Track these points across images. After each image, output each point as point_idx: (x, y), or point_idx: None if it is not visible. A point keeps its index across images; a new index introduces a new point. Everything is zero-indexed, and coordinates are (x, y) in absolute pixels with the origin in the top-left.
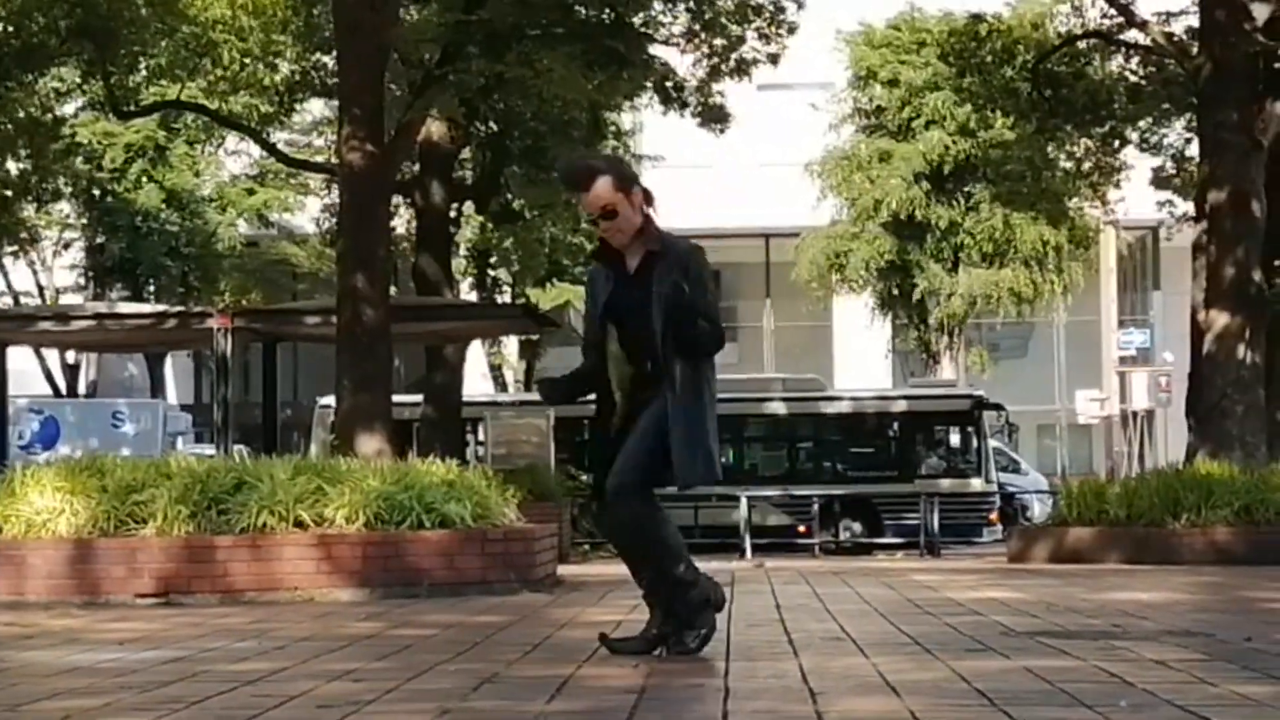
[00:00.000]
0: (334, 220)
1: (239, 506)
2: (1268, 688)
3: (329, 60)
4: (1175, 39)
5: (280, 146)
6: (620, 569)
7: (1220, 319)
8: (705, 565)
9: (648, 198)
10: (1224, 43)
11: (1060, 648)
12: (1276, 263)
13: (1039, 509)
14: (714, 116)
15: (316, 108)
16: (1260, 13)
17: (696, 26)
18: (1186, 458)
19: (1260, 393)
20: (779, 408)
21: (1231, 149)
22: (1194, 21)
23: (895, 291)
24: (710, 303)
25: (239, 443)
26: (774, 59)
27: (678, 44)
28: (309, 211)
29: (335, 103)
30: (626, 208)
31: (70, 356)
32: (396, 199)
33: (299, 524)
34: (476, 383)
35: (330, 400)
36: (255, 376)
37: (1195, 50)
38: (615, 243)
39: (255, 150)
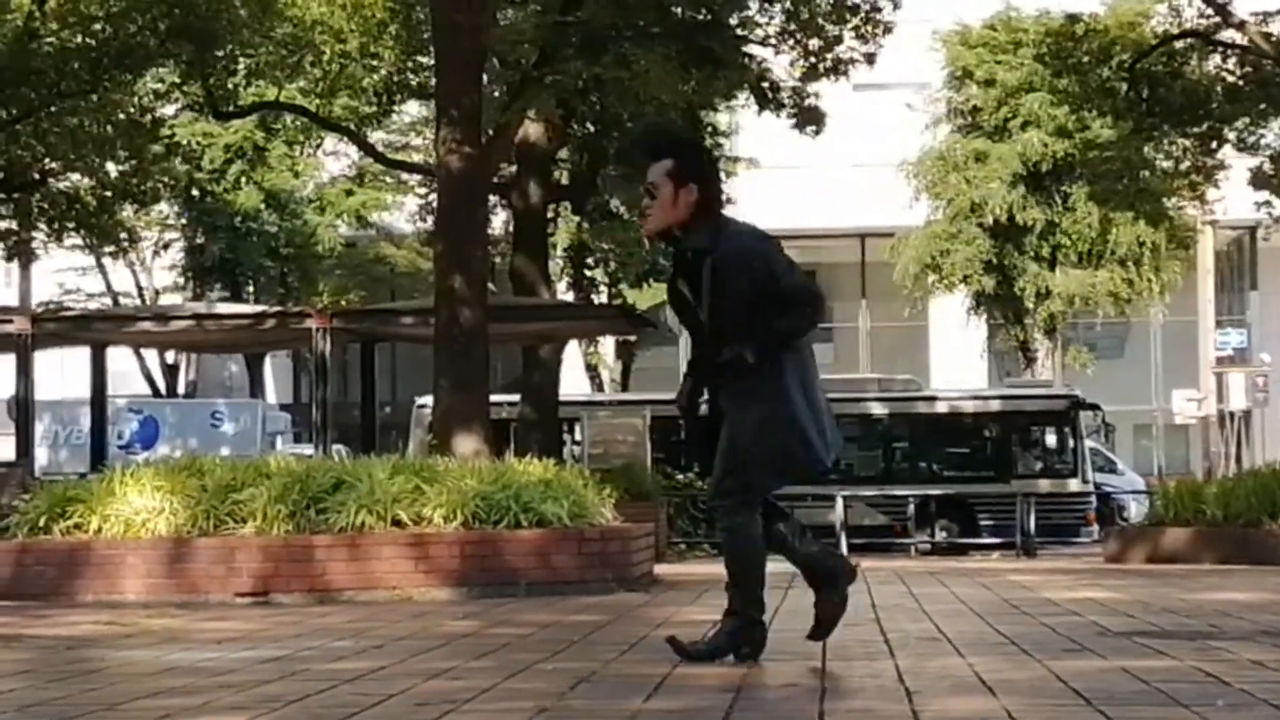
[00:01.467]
0: (431, 220)
1: (337, 506)
2: None
3: (427, 61)
4: (1273, 39)
5: (378, 147)
6: (716, 568)
7: None
8: None
9: (706, 199)
10: None
11: (1156, 648)
12: None
13: (1135, 509)
14: (809, 119)
15: (414, 109)
16: None
17: (792, 26)
18: None
19: None
20: (875, 408)
21: None
22: None
23: (993, 292)
24: (797, 280)
25: (337, 442)
26: (870, 59)
27: (774, 44)
28: (406, 211)
29: (432, 104)
30: (667, 196)
31: (170, 357)
32: (493, 200)
33: (397, 523)
34: (573, 382)
35: (428, 400)
36: (353, 376)
37: None
38: (643, 226)
39: (353, 151)
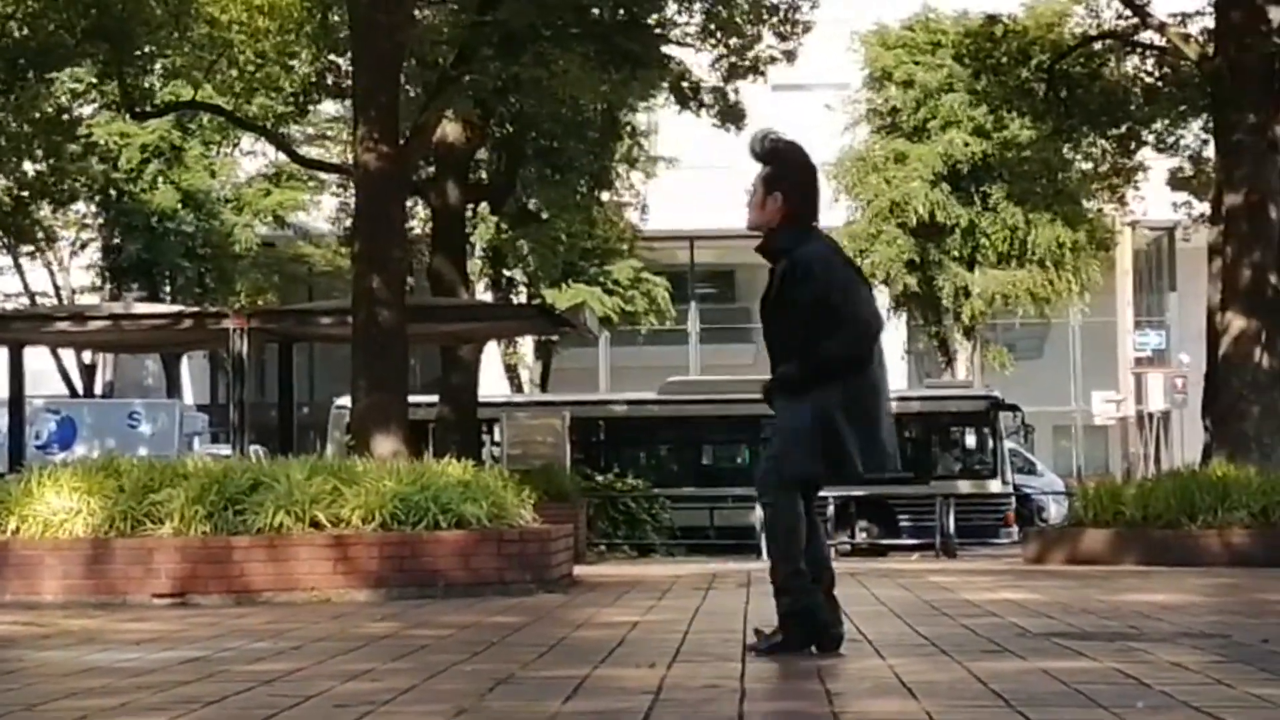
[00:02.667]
0: (350, 220)
1: (255, 507)
2: None
3: (344, 62)
4: (1191, 40)
5: (296, 147)
6: (636, 569)
7: (1237, 321)
8: (721, 566)
9: (793, 208)
10: (1240, 44)
11: (1076, 649)
12: None
13: (1055, 510)
14: (731, 116)
15: (331, 108)
16: (1276, 14)
17: (712, 26)
18: (1203, 459)
19: (1276, 395)
20: None
21: (1248, 151)
22: (1210, 23)
23: (914, 291)
24: (857, 310)
25: (255, 443)
26: (790, 56)
27: (693, 44)
28: (324, 212)
29: (350, 103)
30: (758, 199)
31: (87, 357)
32: (412, 200)
33: (315, 524)
34: (492, 383)
35: (346, 401)
36: (271, 377)
37: (1211, 52)
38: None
39: (271, 151)
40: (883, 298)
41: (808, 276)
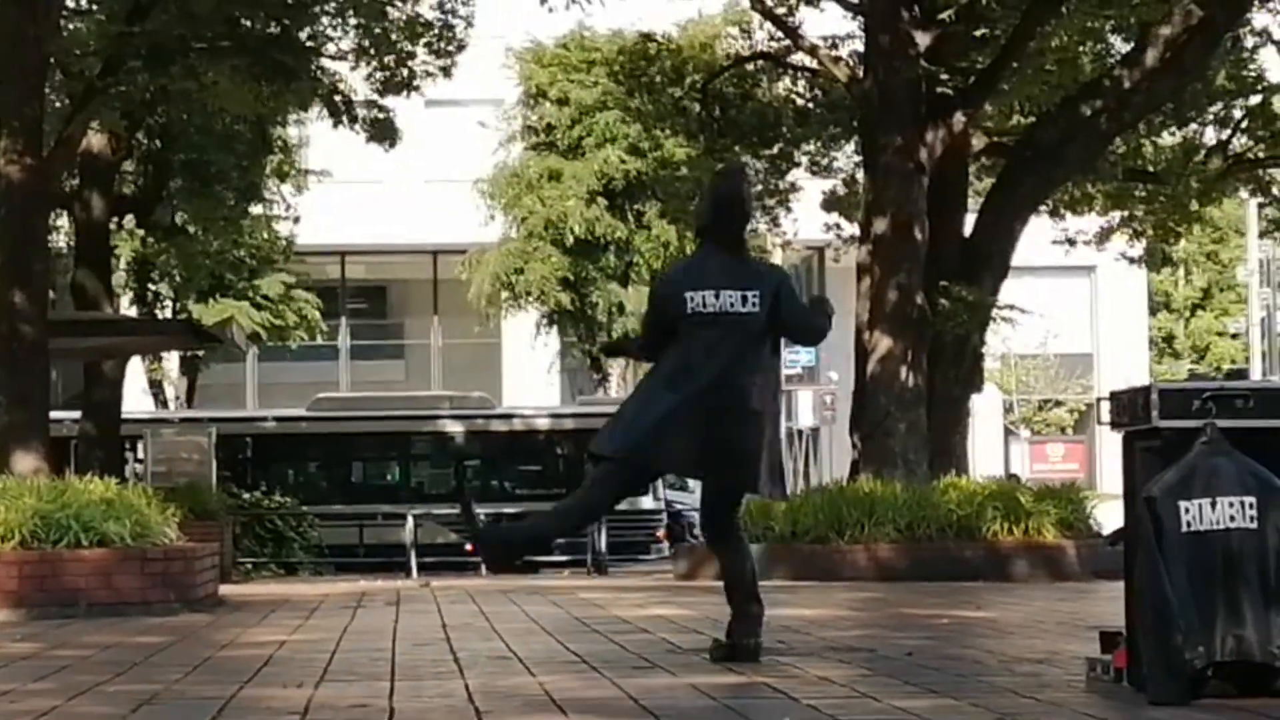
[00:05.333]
0: None
1: None
2: (927, 701)
3: None
4: (841, 63)
5: None
6: (283, 588)
7: (884, 341)
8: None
9: (696, 234)
10: (888, 68)
11: (727, 665)
12: (940, 285)
13: None
14: (382, 132)
15: None
16: (923, 39)
17: (366, 42)
18: (850, 475)
19: (922, 412)
20: (446, 425)
21: (895, 173)
22: (860, 46)
23: (568, 308)
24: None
25: None
26: (446, 71)
27: (348, 59)
28: None
29: None
30: None
31: None
32: (56, 212)
33: None
34: (136, 399)
35: None
36: None
37: (861, 75)
38: None
39: None
40: (533, 315)
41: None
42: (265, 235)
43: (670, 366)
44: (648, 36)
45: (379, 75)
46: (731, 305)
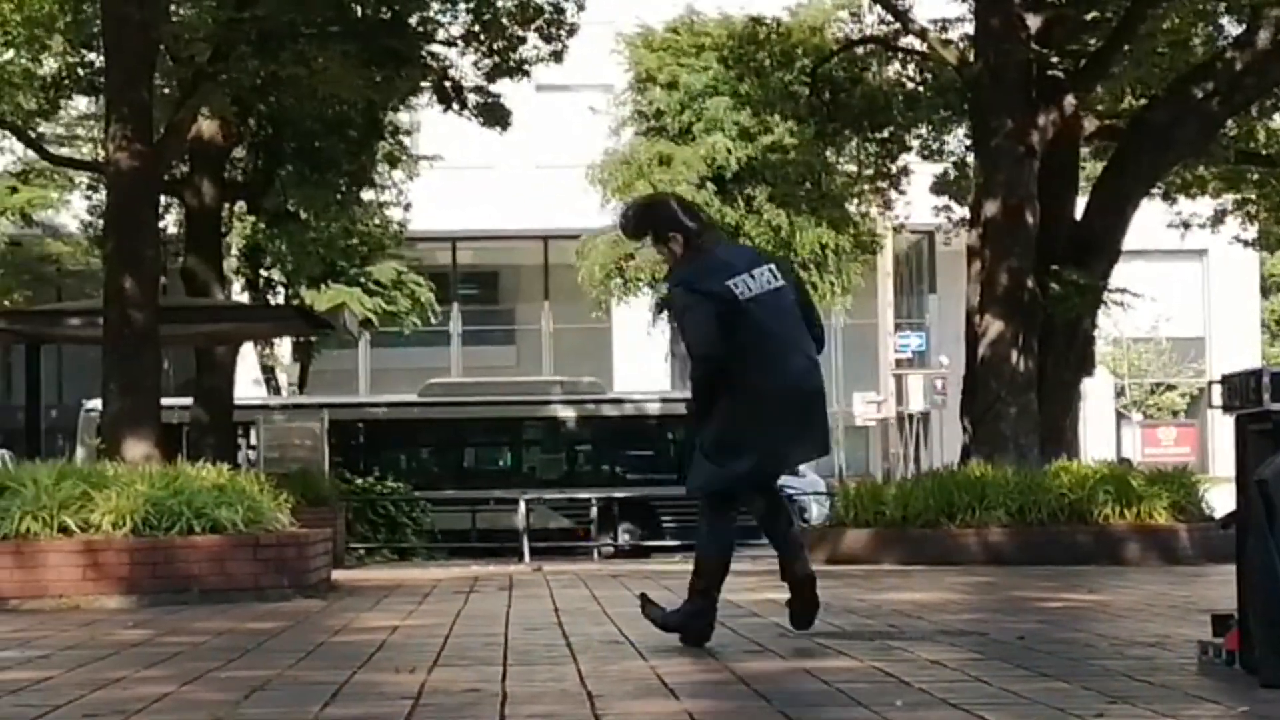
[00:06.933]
0: (101, 218)
1: (1, 513)
2: (1039, 684)
3: (96, 57)
4: (951, 46)
5: (46, 144)
6: (396, 573)
7: (994, 324)
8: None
9: (685, 239)
10: (998, 50)
11: (837, 648)
12: (1051, 268)
13: (816, 510)
14: (494, 116)
15: (83, 104)
16: (1033, 22)
17: (476, 27)
18: (961, 460)
19: (1032, 396)
20: (557, 410)
21: (1006, 156)
22: (970, 29)
23: None
24: (689, 339)
25: (2, 447)
26: (557, 56)
27: (458, 44)
28: (75, 209)
29: (102, 99)
30: (671, 257)
31: None
32: (166, 199)
33: (64, 530)
34: (249, 385)
35: (96, 404)
36: (18, 379)
37: (971, 58)
38: None
39: (19, 148)
40: (645, 301)
41: (674, 307)
42: (377, 221)
43: (746, 370)
44: (757, 20)
45: (488, 60)
46: (769, 283)
